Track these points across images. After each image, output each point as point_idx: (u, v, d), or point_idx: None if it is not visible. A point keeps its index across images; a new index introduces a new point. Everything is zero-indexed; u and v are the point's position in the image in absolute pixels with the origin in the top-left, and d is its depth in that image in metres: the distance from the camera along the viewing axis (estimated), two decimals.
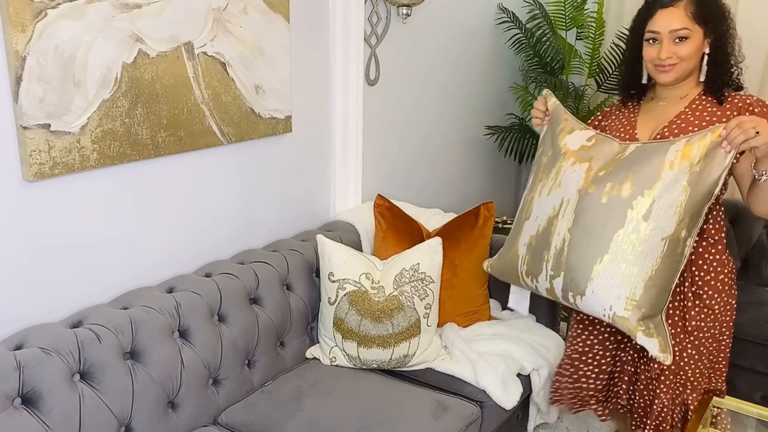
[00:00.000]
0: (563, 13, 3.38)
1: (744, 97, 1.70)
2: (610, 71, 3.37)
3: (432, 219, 2.48)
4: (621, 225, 1.55)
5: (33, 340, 1.48)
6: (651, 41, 1.70)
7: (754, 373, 2.41)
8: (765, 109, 1.66)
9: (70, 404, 1.47)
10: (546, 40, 3.37)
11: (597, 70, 3.39)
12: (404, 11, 2.50)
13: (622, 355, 1.89)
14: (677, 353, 1.75)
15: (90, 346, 1.53)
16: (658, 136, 1.70)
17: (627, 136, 1.76)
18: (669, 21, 1.66)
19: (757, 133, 1.47)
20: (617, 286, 1.54)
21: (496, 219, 3.43)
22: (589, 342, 1.91)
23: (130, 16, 1.66)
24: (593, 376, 1.92)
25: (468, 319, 2.21)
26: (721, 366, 1.87)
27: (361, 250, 2.31)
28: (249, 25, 1.97)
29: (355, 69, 2.44)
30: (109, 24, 1.61)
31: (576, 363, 1.93)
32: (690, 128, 1.68)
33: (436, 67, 2.97)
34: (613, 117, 1.87)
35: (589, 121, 1.92)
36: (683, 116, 1.71)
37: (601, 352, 1.91)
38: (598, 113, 1.96)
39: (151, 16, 1.70)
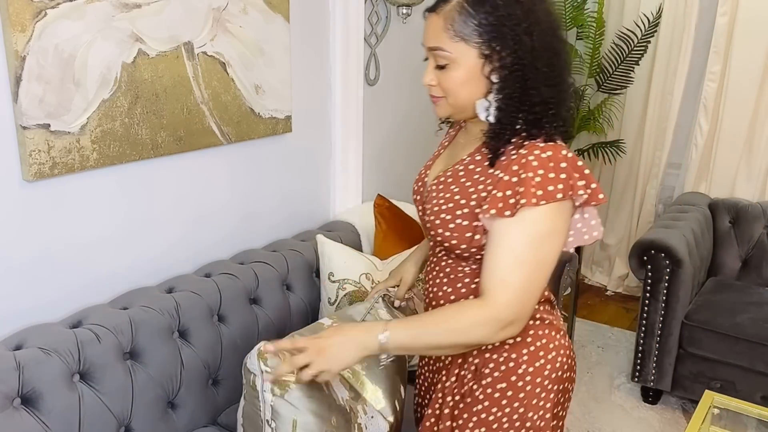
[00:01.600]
0: (563, 12, 3.37)
1: (520, 156, 1.13)
2: (611, 71, 3.37)
3: None
4: None
5: (33, 340, 1.48)
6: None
7: (754, 373, 2.40)
8: (532, 174, 1.10)
9: (70, 404, 1.47)
10: None
11: (597, 69, 3.39)
12: (404, 11, 2.50)
13: None
14: None
15: (89, 346, 1.53)
16: (432, 187, 1.29)
17: (420, 182, 1.39)
18: (426, 33, 1.18)
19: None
20: None
21: None
22: None
23: (130, 16, 1.65)
24: None
25: None
26: None
27: (361, 250, 2.30)
28: (249, 25, 1.97)
29: (355, 69, 2.44)
30: (109, 24, 1.61)
31: None
32: (446, 196, 1.23)
33: None
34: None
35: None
36: (459, 167, 1.24)
37: None
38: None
39: (150, 16, 1.70)
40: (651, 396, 2.66)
